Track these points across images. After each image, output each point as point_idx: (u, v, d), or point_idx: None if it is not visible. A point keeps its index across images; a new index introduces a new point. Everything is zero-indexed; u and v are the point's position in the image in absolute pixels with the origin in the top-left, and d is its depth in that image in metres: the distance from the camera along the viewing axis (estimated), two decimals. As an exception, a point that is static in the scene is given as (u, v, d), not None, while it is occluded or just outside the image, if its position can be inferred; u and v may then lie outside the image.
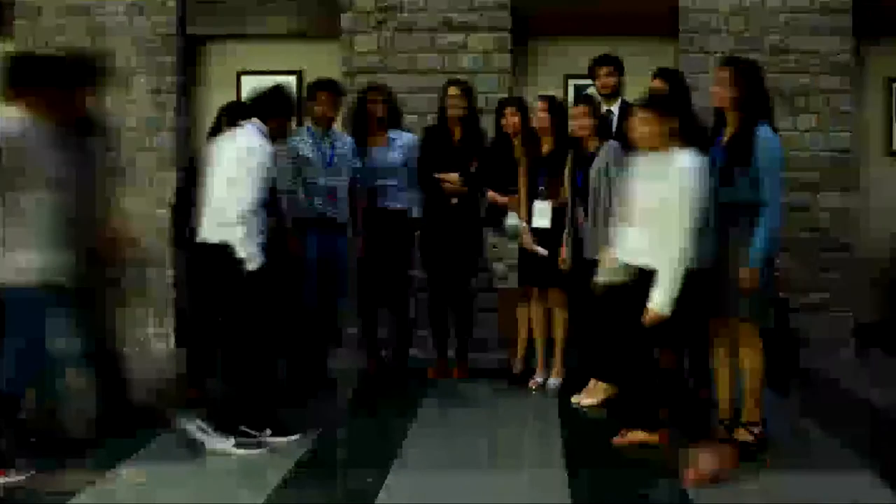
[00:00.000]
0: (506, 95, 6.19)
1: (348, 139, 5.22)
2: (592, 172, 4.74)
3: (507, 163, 5.17)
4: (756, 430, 3.92)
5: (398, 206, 5.30)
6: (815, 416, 4.57)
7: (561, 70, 6.44)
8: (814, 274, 6.29)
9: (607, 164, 4.67)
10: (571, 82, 6.48)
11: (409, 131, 5.55)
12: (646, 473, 3.69)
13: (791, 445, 4.10)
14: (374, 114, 5.26)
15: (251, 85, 6.50)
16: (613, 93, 5.28)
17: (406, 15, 6.35)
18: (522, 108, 5.19)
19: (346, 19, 6.36)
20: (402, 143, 5.32)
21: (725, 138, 3.94)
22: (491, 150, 5.27)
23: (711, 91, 3.99)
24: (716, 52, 6.28)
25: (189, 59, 6.62)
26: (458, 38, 6.35)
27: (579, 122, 4.84)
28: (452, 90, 5.31)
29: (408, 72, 6.31)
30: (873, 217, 6.55)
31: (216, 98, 6.60)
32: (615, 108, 5.26)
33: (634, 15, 6.42)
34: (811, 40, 6.29)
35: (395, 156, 5.27)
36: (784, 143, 6.16)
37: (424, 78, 6.26)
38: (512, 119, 5.15)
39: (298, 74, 6.60)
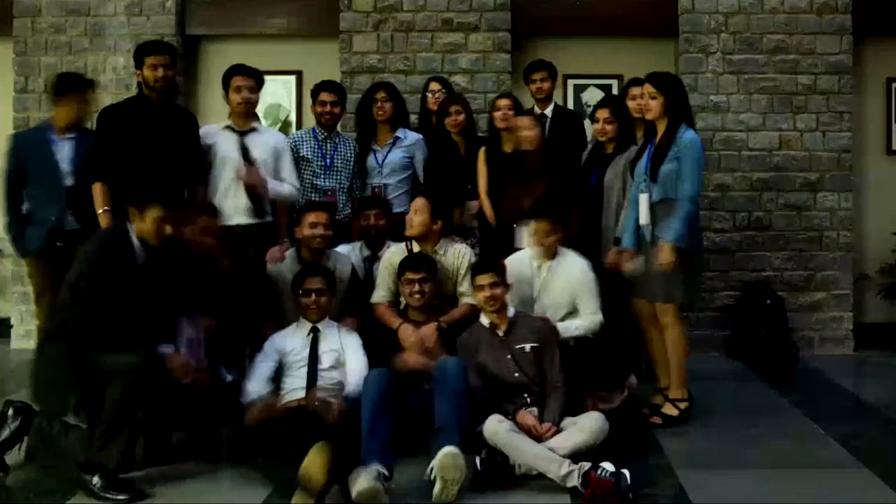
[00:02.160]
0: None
1: (352, 143, 5.19)
2: (610, 174, 4.77)
3: (453, 162, 5.04)
4: (682, 406, 4.36)
5: (399, 209, 5.06)
6: (813, 415, 4.57)
7: (560, 70, 6.41)
8: (813, 273, 6.29)
9: (625, 167, 4.69)
10: (571, 83, 6.49)
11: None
12: (646, 472, 3.69)
13: (790, 444, 4.09)
14: (380, 114, 5.14)
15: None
16: (548, 97, 5.38)
17: (405, 15, 6.35)
18: (467, 108, 5.12)
19: (345, 19, 6.37)
20: (408, 142, 5.20)
21: (657, 141, 4.34)
22: (435, 149, 5.13)
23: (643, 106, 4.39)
24: (716, 52, 6.31)
25: (188, 58, 6.62)
26: (457, 38, 6.35)
27: (601, 127, 4.82)
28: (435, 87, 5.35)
29: (407, 72, 6.32)
30: (873, 217, 6.56)
31: (216, 98, 6.62)
32: (549, 112, 5.39)
33: (634, 15, 6.44)
34: (811, 40, 6.30)
35: (399, 155, 5.16)
36: (784, 143, 6.28)
37: (424, 78, 6.25)
38: (457, 118, 5.05)
39: (298, 74, 6.61)
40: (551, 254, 4.35)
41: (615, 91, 6.33)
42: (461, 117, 5.05)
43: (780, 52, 6.30)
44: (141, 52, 4.52)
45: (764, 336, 6.02)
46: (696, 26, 6.32)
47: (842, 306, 6.28)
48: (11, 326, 6.47)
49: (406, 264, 4.28)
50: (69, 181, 4.58)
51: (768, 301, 6.07)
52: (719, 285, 6.27)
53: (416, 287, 4.19)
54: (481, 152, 4.99)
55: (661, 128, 4.34)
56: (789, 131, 6.32)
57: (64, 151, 4.62)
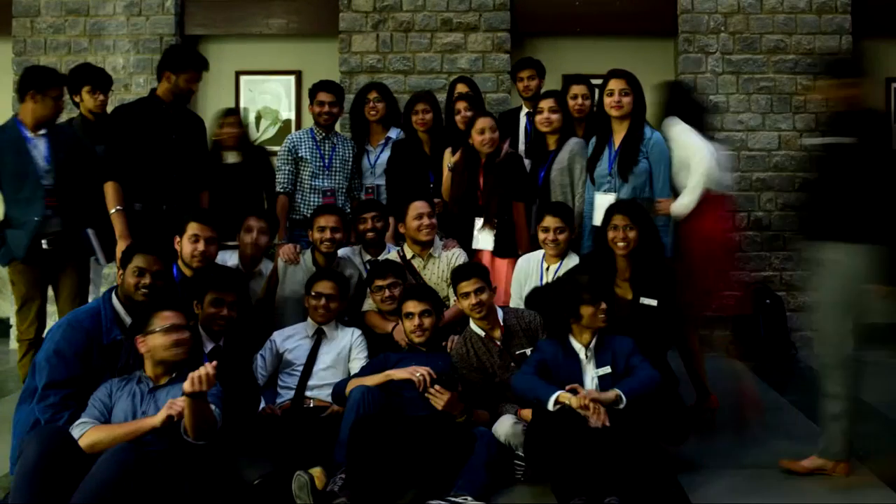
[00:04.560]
0: (506, 95, 6.23)
1: (350, 143, 5.19)
2: (554, 171, 4.59)
3: (418, 160, 4.95)
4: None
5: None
6: (813, 416, 4.55)
7: (559, 70, 6.42)
8: (812, 273, 6.28)
9: (570, 161, 4.55)
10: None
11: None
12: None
13: (790, 444, 4.08)
14: (372, 114, 5.13)
15: (250, 85, 6.64)
16: (535, 95, 5.25)
17: (405, 15, 6.35)
18: (434, 105, 5.01)
19: (344, 19, 6.37)
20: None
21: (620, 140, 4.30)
22: (400, 149, 5.03)
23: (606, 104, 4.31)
24: (715, 52, 6.31)
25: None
26: (456, 37, 6.35)
27: (546, 117, 4.64)
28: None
29: (406, 72, 6.32)
30: (872, 217, 6.55)
31: (215, 98, 6.61)
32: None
33: (634, 15, 6.44)
34: (810, 40, 6.30)
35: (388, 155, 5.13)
36: (783, 142, 6.29)
37: (423, 78, 6.26)
38: (424, 116, 4.92)
39: (297, 74, 6.61)
40: (560, 253, 4.28)
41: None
42: (428, 116, 4.94)
43: (780, 52, 6.31)
44: (179, 63, 4.55)
45: (763, 336, 6.02)
46: (696, 26, 6.33)
47: (841, 306, 6.28)
48: (11, 326, 6.46)
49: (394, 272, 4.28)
50: (48, 181, 4.37)
51: (768, 301, 6.07)
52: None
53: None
54: (447, 153, 4.78)
55: (622, 126, 4.27)
56: (788, 131, 6.32)
57: (39, 150, 4.40)
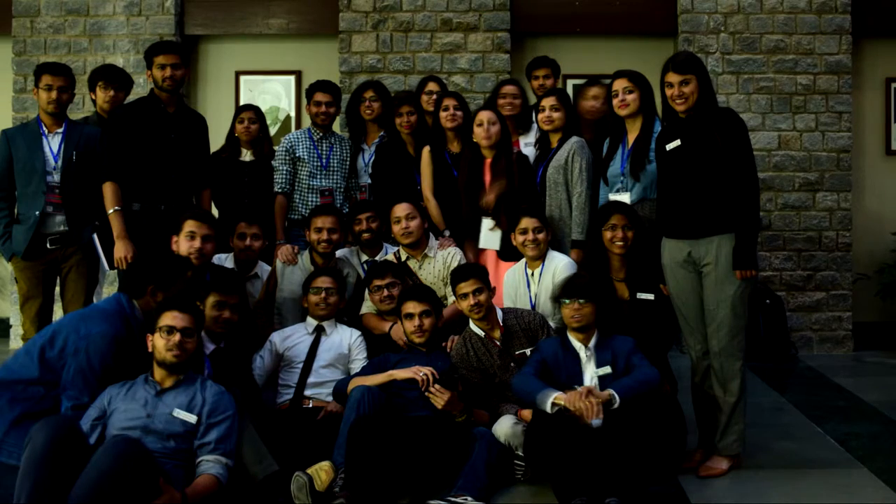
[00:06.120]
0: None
1: (348, 142, 5.18)
2: (551, 169, 4.53)
3: (402, 162, 4.90)
4: None
5: None
6: (813, 415, 4.57)
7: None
8: (812, 273, 6.30)
9: (568, 159, 4.48)
10: (570, 82, 6.49)
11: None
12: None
13: (788, 443, 4.10)
14: (367, 113, 5.11)
15: (250, 85, 6.64)
16: (548, 94, 5.26)
17: (404, 15, 6.35)
18: (419, 107, 4.97)
19: (344, 19, 6.37)
20: None
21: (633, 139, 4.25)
22: (384, 151, 5.00)
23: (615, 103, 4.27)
24: (715, 52, 6.31)
25: (187, 58, 6.60)
26: (456, 37, 6.36)
27: (548, 115, 4.59)
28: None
29: (406, 72, 6.32)
30: (872, 217, 6.56)
31: (215, 98, 6.62)
32: None
33: (633, 14, 6.45)
34: (810, 40, 6.30)
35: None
36: (783, 143, 6.29)
37: (423, 78, 6.25)
38: (410, 118, 4.87)
39: (297, 74, 6.61)
40: (541, 254, 4.20)
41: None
42: (413, 118, 4.91)
43: (780, 52, 6.31)
44: (150, 53, 4.47)
45: (763, 336, 6.02)
46: (696, 26, 6.33)
47: (841, 306, 6.29)
48: (11, 326, 6.47)
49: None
50: (55, 178, 4.39)
51: (768, 301, 6.08)
52: (718, 285, 6.27)
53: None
54: (425, 152, 4.75)
55: (635, 126, 4.26)
56: (788, 131, 6.33)
57: (52, 146, 4.42)
